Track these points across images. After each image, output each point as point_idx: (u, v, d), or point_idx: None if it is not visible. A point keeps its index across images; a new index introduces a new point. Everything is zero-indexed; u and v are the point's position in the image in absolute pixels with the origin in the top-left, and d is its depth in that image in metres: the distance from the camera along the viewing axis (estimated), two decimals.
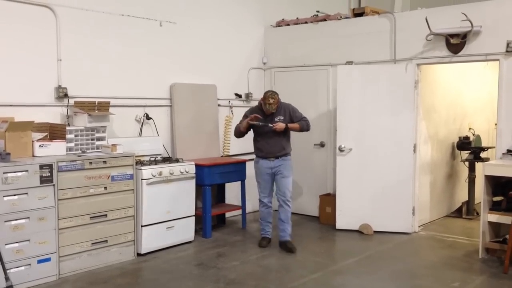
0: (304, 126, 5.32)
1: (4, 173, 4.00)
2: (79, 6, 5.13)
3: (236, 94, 6.89)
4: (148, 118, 5.76)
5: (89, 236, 4.61)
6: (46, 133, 4.68)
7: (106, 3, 5.38)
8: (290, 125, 5.24)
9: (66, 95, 4.99)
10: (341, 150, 6.06)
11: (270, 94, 5.19)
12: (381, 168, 5.97)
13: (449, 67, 6.56)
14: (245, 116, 5.32)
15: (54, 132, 4.74)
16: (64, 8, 5.00)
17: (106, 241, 4.74)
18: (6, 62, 4.63)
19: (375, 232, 5.96)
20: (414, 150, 5.95)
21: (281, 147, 5.27)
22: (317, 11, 7.07)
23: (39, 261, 4.24)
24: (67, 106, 5.01)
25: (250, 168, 6.04)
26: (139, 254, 5.04)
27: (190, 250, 5.33)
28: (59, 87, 4.97)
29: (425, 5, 6.08)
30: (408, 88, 5.88)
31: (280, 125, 5.16)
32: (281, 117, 5.26)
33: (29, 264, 4.18)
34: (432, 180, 6.60)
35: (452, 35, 5.56)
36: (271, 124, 5.16)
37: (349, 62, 6.38)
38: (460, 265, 4.86)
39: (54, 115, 4.96)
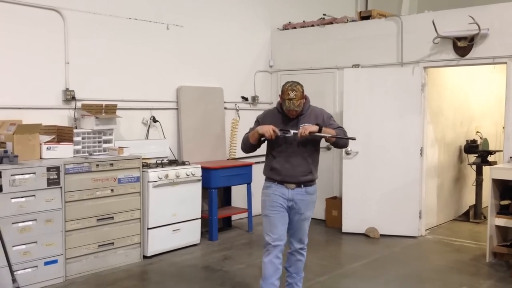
0: (341, 134, 3.56)
1: (11, 175, 4.03)
2: (86, 9, 5.16)
3: (243, 97, 6.90)
4: (154, 121, 5.77)
5: (96, 238, 4.63)
6: (53, 136, 4.71)
7: (113, 7, 5.41)
8: (325, 129, 3.48)
9: (73, 98, 5.02)
10: (347, 153, 6.04)
11: (289, 86, 3.46)
12: (388, 171, 5.95)
13: (457, 70, 6.53)
14: (257, 122, 3.71)
15: (62, 135, 4.76)
16: (72, 11, 5.04)
17: (113, 243, 4.75)
18: (14, 65, 4.67)
19: (382, 235, 5.94)
20: (421, 154, 5.93)
21: (307, 170, 3.56)
22: (324, 14, 7.07)
23: (46, 263, 4.26)
24: (75, 108, 5.03)
25: (256, 170, 6.04)
26: (145, 257, 5.05)
27: (196, 253, 5.33)
28: (67, 90, 5.00)
29: (432, 8, 6.06)
30: (415, 91, 5.86)
31: (309, 128, 3.41)
32: (310, 124, 3.56)
33: (36, 266, 4.20)
34: (439, 184, 6.56)
35: (459, 38, 5.54)
36: (295, 131, 3.45)
37: (356, 65, 6.37)
38: (467, 269, 4.83)
39: (61, 118, 4.99)
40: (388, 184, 5.95)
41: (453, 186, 6.93)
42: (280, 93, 3.52)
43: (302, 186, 3.55)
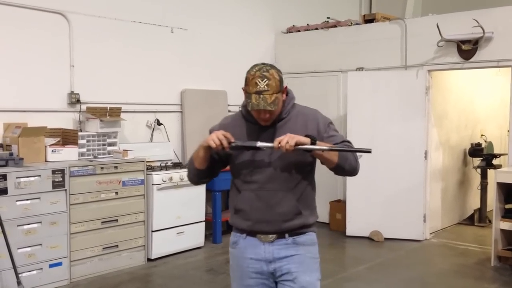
0: (349, 157, 2.20)
1: (17, 177, 4.05)
2: (91, 13, 5.19)
3: None
4: (159, 123, 5.79)
5: (100, 241, 4.64)
6: (58, 139, 4.73)
7: (118, 10, 5.44)
8: (320, 143, 2.14)
9: (78, 101, 5.04)
10: None
11: (257, 71, 2.12)
12: (392, 174, 5.93)
13: (461, 73, 6.52)
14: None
15: (67, 138, 4.79)
16: (77, 15, 5.07)
17: (117, 246, 4.76)
18: (20, 68, 4.70)
19: (386, 239, 5.92)
20: (425, 157, 5.91)
21: (294, 210, 2.22)
22: (328, 18, 7.08)
23: (51, 265, 4.28)
24: (79, 111, 5.06)
25: None
26: (149, 259, 5.06)
27: (200, 256, 5.33)
28: (72, 93, 5.03)
29: (437, 11, 6.06)
30: (419, 95, 5.85)
31: (296, 137, 2.07)
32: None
33: (41, 268, 4.21)
34: (443, 187, 6.54)
35: (464, 41, 5.54)
36: (268, 144, 2.11)
37: (360, 69, 6.37)
38: (472, 273, 4.81)
39: (66, 121, 5.01)
40: (392, 188, 5.94)
41: (457, 190, 6.91)
42: (243, 85, 2.15)
43: (287, 236, 2.19)
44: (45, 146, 4.53)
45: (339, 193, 6.66)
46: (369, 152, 2.09)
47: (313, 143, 2.08)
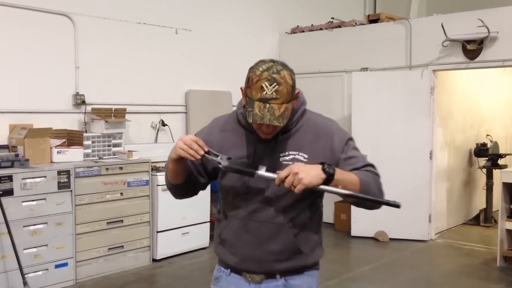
0: (371, 189, 1.70)
1: (23, 178, 4.07)
2: (96, 14, 5.21)
3: None
4: (163, 124, 5.81)
5: (106, 241, 4.65)
6: (64, 140, 4.75)
7: (122, 12, 5.46)
8: (340, 175, 1.62)
9: (83, 102, 5.06)
10: None
11: (265, 70, 1.63)
12: (397, 174, 5.90)
13: (466, 73, 6.50)
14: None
15: (72, 139, 4.81)
16: (82, 16, 5.09)
17: (122, 246, 4.77)
18: (25, 69, 4.73)
19: (391, 239, 5.91)
20: (431, 157, 5.90)
21: (291, 249, 1.77)
22: (332, 18, 7.08)
23: (57, 266, 4.29)
24: (85, 113, 5.08)
25: None
26: (154, 260, 5.07)
27: (205, 256, 5.34)
28: (77, 94, 5.05)
29: (441, 11, 6.04)
30: (424, 95, 5.83)
31: (306, 178, 1.54)
32: (304, 155, 1.74)
33: (47, 269, 4.23)
34: (449, 187, 6.52)
35: (469, 41, 5.52)
36: (270, 174, 1.63)
37: (364, 69, 6.36)
38: (478, 274, 4.79)
39: (71, 122, 5.03)
40: (397, 188, 5.88)
41: (463, 190, 6.88)
42: (244, 85, 1.69)
43: (279, 277, 1.78)
44: (51, 147, 4.55)
45: None
46: (398, 207, 1.64)
47: (328, 172, 1.57)
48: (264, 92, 1.60)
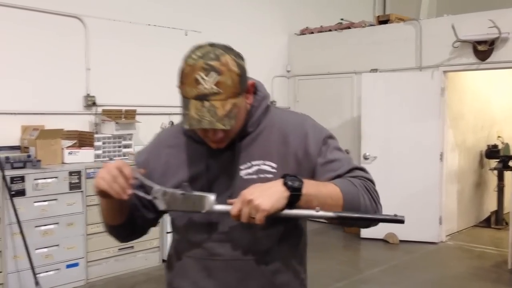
0: (361, 203, 1.32)
1: (34, 179, 4.11)
2: (107, 16, 5.25)
3: None
4: (173, 125, 5.83)
5: (116, 242, 4.66)
6: (75, 141, 4.80)
7: (132, 14, 5.50)
8: (313, 185, 1.23)
9: (94, 104, 5.10)
10: (365, 158, 6.01)
11: (201, 57, 1.27)
12: (407, 176, 5.89)
13: (477, 74, 6.45)
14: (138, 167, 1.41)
15: (83, 140, 4.85)
16: (92, 18, 5.13)
17: (132, 247, 4.80)
18: (37, 71, 4.78)
19: (401, 241, 5.88)
20: (441, 158, 5.86)
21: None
22: (341, 19, 7.07)
23: (68, 266, 4.33)
24: (95, 114, 5.12)
25: None
26: (164, 260, 5.09)
27: None
28: (88, 95, 5.09)
29: (452, 12, 6.01)
30: (434, 96, 5.80)
31: (263, 204, 1.15)
32: (272, 164, 1.32)
33: (58, 269, 4.27)
34: (459, 189, 6.48)
35: (480, 42, 5.48)
36: (223, 207, 1.24)
37: (374, 70, 6.34)
38: (489, 276, 4.75)
39: (82, 123, 5.08)
40: (407, 189, 5.90)
41: (474, 192, 6.83)
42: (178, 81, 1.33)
43: None
44: (62, 148, 4.59)
45: None
46: (402, 222, 1.34)
47: (295, 195, 1.17)
48: (201, 86, 1.21)
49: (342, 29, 6.81)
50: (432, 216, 5.86)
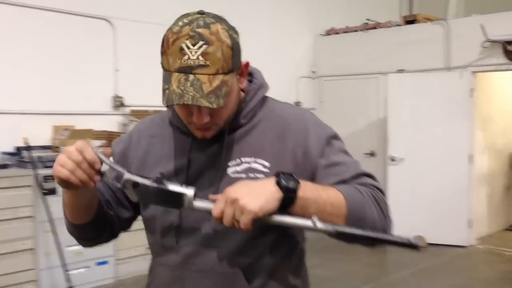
0: (367, 215, 1.07)
1: None
2: (135, 18, 5.32)
3: None
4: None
5: (144, 240, 4.62)
6: (104, 141, 4.86)
7: (160, 16, 5.53)
8: (311, 188, 1.03)
9: (122, 104, 5.17)
10: (392, 159, 5.95)
11: (187, 24, 1.10)
12: (435, 178, 5.81)
13: (507, 75, 6.33)
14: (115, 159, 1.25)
15: (112, 139, 4.90)
16: (121, 20, 5.21)
17: None
18: (67, 72, 4.86)
19: (429, 244, 5.79)
20: (470, 161, 5.76)
21: None
22: (367, 19, 7.02)
23: (98, 264, 4.40)
24: (123, 114, 5.19)
25: None
26: None
27: None
28: (116, 96, 5.17)
29: (480, 11, 5.91)
30: (463, 97, 5.71)
31: (250, 204, 0.96)
32: (264, 162, 1.13)
33: (89, 266, 4.34)
34: (489, 192, 6.35)
35: (509, 42, 5.38)
36: (205, 204, 1.03)
37: (400, 70, 6.27)
38: None
39: (111, 123, 5.15)
40: (435, 192, 5.81)
41: (504, 195, 6.69)
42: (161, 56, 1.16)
43: None
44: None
45: None
46: (417, 248, 1.08)
47: (288, 197, 0.99)
48: (186, 57, 1.04)
49: (368, 29, 6.76)
50: (461, 219, 5.76)
